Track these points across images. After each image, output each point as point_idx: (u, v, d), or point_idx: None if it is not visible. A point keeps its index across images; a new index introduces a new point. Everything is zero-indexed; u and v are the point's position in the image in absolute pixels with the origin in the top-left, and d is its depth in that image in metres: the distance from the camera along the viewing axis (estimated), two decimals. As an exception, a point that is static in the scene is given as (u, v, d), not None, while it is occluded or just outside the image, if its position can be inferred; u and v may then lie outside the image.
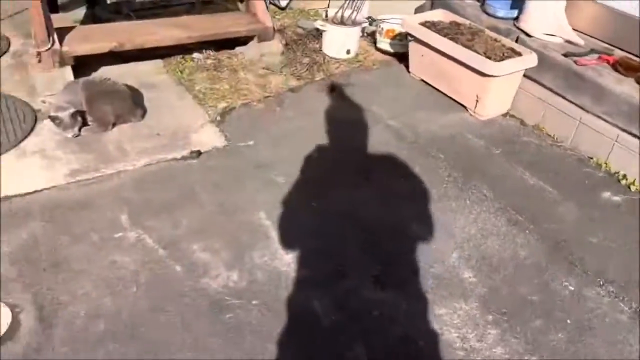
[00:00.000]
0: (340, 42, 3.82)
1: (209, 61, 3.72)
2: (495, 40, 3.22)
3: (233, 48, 3.87)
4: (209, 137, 2.98)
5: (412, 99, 3.48)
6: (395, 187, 2.73)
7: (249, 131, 3.05)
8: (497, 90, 3.13)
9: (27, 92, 3.15)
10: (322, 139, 3.06)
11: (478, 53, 3.07)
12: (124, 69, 3.48)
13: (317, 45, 3.96)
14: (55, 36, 3.11)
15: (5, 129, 2.83)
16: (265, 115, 3.23)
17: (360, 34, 3.98)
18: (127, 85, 3.13)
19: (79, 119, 2.84)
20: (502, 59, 3.04)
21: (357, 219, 2.51)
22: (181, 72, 3.57)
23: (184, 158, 2.80)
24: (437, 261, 2.31)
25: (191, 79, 3.51)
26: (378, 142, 3.03)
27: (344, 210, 2.55)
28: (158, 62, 3.64)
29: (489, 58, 3.03)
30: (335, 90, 3.51)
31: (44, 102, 3.08)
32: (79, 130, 2.86)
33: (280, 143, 2.97)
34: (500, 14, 3.36)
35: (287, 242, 2.35)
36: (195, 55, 3.74)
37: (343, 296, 2.13)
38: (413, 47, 3.53)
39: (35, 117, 2.96)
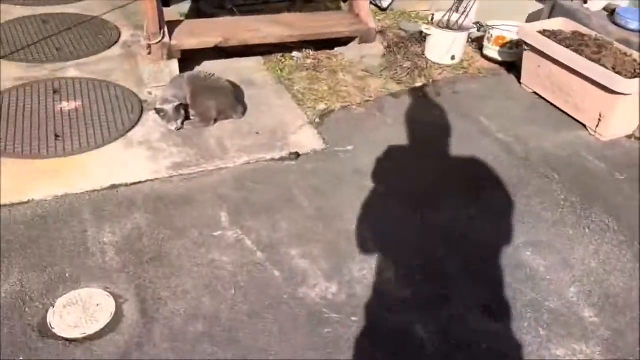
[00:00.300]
0: (445, 47, 3.64)
1: (308, 61, 3.66)
2: (626, 54, 2.92)
3: (332, 48, 3.79)
4: (307, 139, 2.91)
5: (524, 112, 3.24)
6: (506, 207, 2.53)
7: (347, 135, 2.96)
8: (625, 110, 2.84)
9: (135, 82, 3.23)
10: (425, 148, 2.91)
11: (606, 68, 2.80)
12: (226, 64, 3.50)
13: (420, 49, 3.80)
14: (166, 29, 3.15)
15: (114, 118, 2.90)
16: (364, 119, 3.13)
17: (466, 40, 3.79)
18: (229, 82, 3.13)
19: (182, 112, 2.86)
20: (634, 76, 2.75)
21: (462, 237, 2.35)
22: (281, 70, 3.53)
23: (282, 159, 2.75)
24: (552, 294, 2.11)
25: (290, 78, 3.46)
26: (486, 156, 2.83)
27: (448, 228, 2.40)
28: (259, 59, 3.62)
29: (619, 74, 2.76)
30: (439, 96, 3.34)
31: (150, 93, 3.14)
32: (182, 123, 2.87)
33: (379, 150, 2.85)
34: (633, 26, 3.05)
35: (386, 258, 2.23)
36: (295, 54, 3.70)
37: (447, 323, 1.99)
38: (528, 57, 3.29)
39: (142, 107, 3.02)
